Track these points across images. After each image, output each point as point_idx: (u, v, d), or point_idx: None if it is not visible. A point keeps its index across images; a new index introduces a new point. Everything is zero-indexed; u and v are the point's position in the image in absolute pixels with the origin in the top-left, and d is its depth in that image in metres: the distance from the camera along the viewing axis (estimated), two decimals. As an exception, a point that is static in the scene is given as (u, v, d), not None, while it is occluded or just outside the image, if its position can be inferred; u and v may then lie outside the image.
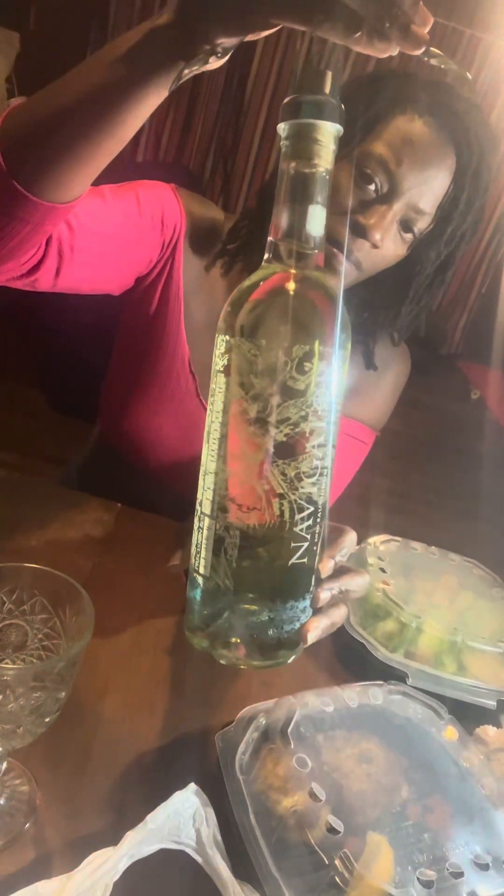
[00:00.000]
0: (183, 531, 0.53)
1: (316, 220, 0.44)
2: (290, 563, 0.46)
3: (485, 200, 0.76)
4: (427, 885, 0.47)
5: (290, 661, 0.50)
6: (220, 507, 0.46)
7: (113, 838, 0.48)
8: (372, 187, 0.72)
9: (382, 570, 0.82)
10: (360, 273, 0.77)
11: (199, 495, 0.48)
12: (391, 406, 0.98)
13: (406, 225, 0.74)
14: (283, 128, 0.44)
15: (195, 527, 0.48)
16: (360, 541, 0.89)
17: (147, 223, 0.77)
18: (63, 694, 0.45)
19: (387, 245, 0.75)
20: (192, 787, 0.52)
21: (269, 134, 2.87)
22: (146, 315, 0.85)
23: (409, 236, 0.75)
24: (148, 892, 0.47)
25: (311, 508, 0.45)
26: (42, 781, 0.53)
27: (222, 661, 0.50)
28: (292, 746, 0.53)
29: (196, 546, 0.48)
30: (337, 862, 0.47)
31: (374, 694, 0.63)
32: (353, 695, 0.62)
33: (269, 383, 0.43)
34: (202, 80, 2.93)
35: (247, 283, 0.45)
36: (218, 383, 0.45)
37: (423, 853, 0.49)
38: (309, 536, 0.46)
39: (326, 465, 0.45)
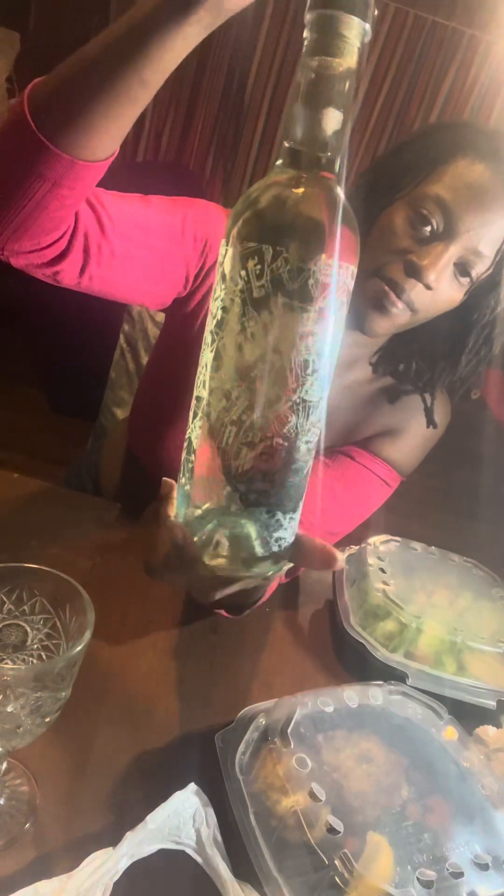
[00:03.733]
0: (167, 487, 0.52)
1: (332, 125, 0.42)
2: (286, 475, 0.45)
3: None
4: (427, 885, 0.47)
5: (269, 574, 0.49)
6: (211, 410, 0.45)
7: (113, 838, 0.48)
8: (428, 228, 0.71)
9: (382, 570, 0.82)
10: (415, 316, 0.75)
11: (197, 393, 0.47)
12: (422, 456, 0.96)
13: (463, 269, 0.73)
14: (308, 19, 0.41)
15: (189, 429, 0.48)
16: (360, 541, 0.90)
17: (189, 243, 0.75)
18: (63, 694, 0.45)
19: (442, 288, 0.73)
20: (192, 787, 0.52)
21: (269, 134, 2.87)
22: (186, 339, 0.83)
23: (465, 280, 0.74)
24: (148, 892, 0.47)
25: (316, 413, 0.45)
26: (42, 781, 0.53)
27: (206, 569, 0.48)
28: (292, 746, 0.53)
29: (186, 449, 0.47)
30: (337, 862, 0.47)
31: (374, 694, 0.63)
32: (353, 695, 0.62)
33: (281, 289, 0.41)
34: (202, 80, 2.93)
35: (254, 187, 0.43)
36: (223, 287, 0.44)
37: (423, 853, 0.49)
38: (308, 446, 0.45)
39: (325, 372, 0.45)
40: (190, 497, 0.48)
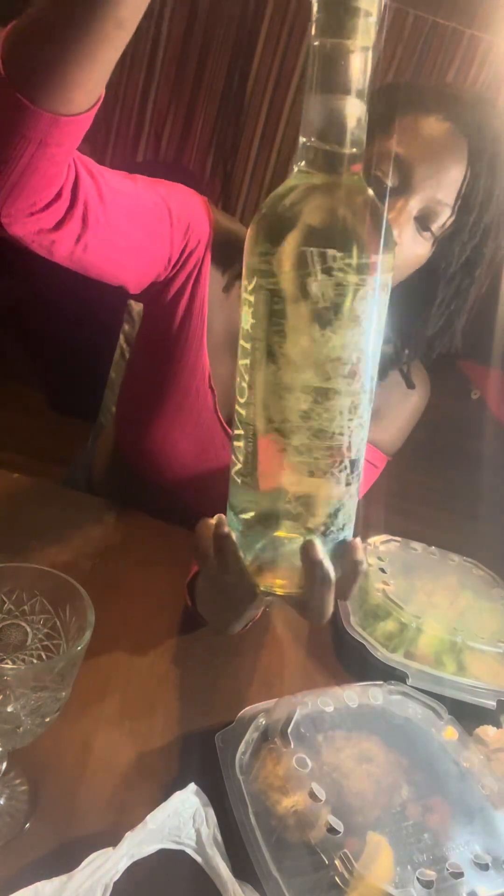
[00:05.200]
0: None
1: (353, 114, 0.38)
2: (332, 493, 0.45)
3: None
4: (427, 885, 0.47)
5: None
6: (256, 431, 0.45)
7: (113, 838, 0.48)
8: (384, 187, 0.72)
9: (382, 570, 0.82)
10: None
11: (237, 417, 0.47)
12: (406, 434, 0.96)
13: (424, 222, 0.73)
14: None
15: (233, 448, 0.48)
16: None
17: (174, 223, 0.76)
18: (63, 694, 0.45)
19: (405, 244, 0.74)
20: (192, 787, 0.53)
21: (269, 134, 2.87)
22: (168, 329, 0.83)
23: (427, 234, 0.74)
24: (148, 892, 0.47)
25: (364, 420, 0.45)
26: (42, 781, 0.53)
27: (261, 589, 0.49)
28: (292, 746, 0.53)
29: (233, 474, 0.47)
30: (337, 862, 0.47)
31: (374, 694, 0.63)
32: (353, 695, 0.62)
33: (332, 294, 0.40)
34: (202, 80, 2.93)
35: (283, 191, 0.41)
36: (256, 301, 0.43)
37: (423, 853, 0.49)
38: (355, 466, 0.45)
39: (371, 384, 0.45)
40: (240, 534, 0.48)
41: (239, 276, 0.83)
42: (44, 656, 0.49)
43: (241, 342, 0.45)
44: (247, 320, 0.44)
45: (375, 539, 0.89)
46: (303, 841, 0.48)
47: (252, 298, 0.44)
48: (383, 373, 0.89)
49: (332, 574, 0.48)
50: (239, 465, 0.48)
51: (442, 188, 0.72)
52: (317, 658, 0.76)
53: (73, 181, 0.60)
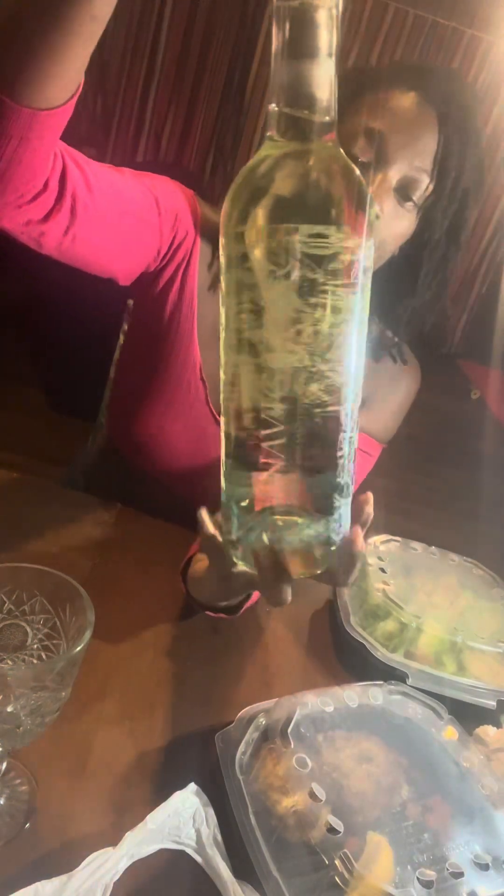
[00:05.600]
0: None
1: (325, 78, 0.37)
2: (327, 474, 0.45)
3: (481, 153, 0.76)
4: (427, 885, 0.47)
5: (318, 571, 0.49)
6: (244, 421, 0.44)
7: (113, 838, 0.48)
8: (360, 161, 0.72)
9: (382, 570, 0.82)
10: None
11: (223, 410, 0.46)
12: (399, 420, 0.96)
13: (404, 192, 0.74)
14: None
15: (222, 443, 0.47)
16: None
17: (162, 214, 0.77)
18: (63, 694, 0.45)
19: (388, 217, 0.74)
20: (192, 787, 0.53)
21: (269, 134, 2.87)
22: (159, 321, 0.84)
23: (409, 205, 0.75)
24: (148, 892, 0.47)
25: (350, 400, 0.44)
26: (42, 781, 0.53)
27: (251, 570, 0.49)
28: (292, 746, 0.53)
29: (224, 463, 0.47)
30: (337, 862, 0.47)
31: (374, 694, 0.63)
32: (353, 695, 0.62)
33: (311, 268, 0.39)
34: (202, 80, 2.93)
35: (255, 163, 0.40)
36: (229, 280, 0.42)
37: (423, 853, 0.49)
38: (347, 444, 0.45)
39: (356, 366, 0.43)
40: (236, 519, 0.48)
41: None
42: (44, 656, 0.49)
43: (221, 328, 0.44)
44: (225, 303, 0.43)
45: (375, 539, 0.89)
46: (303, 841, 0.48)
47: (227, 278, 0.42)
48: (376, 354, 0.89)
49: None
50: (228, 454, 0.47)
51: (418, 156, 0.73)
52: (317, 658, 0.76)
53: (61, 172, 0.60)
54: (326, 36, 0.37)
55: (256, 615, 0.78)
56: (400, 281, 0.83)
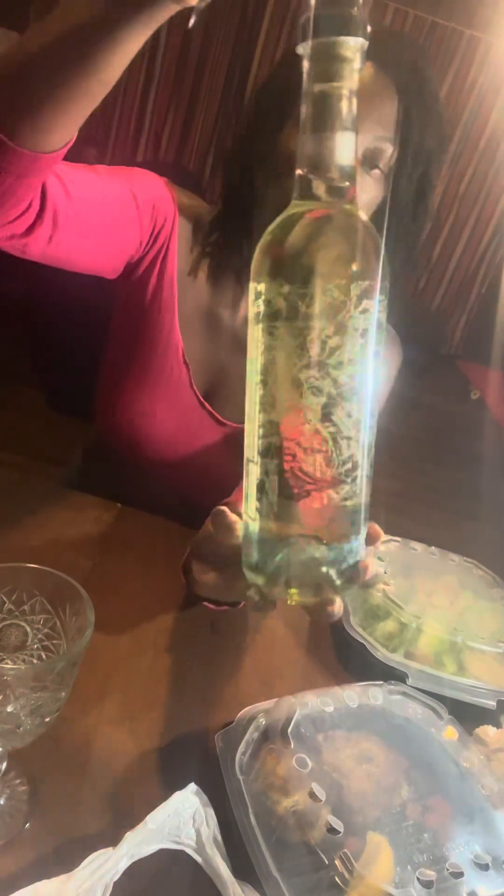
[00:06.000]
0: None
1: (347, 149, 0.43)
2: (342, 502, 0.45)
3: (440, 111, 0.76)
4: (427, 885, 0.47)
5: (332, 597, 0.49)
6: (265, 452, 0.45)
7: (113, 838, 0.48)
8: None
9: (382, 571, 0.82)
10: None
11: (246, 441, 0.47)
12: (385, 394, 0.95)
13: (370, 160, 0.74)
14: (304, 48, 0.42)
15: (244, 473, 0.48)
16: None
17: (140, 206, 0.78)
18: (63, 694, 0.45)
19: (357, 189, 0.75)
20: (192, 787, 0.53)
21: (268, 134, 2.87)
22: (140, 306, 0.85)
23: (376, 173, 0.75)
24: (148, 892, 0.47)
25: (362, 441, 0.45)
26: (42, 781, 0.53)
27: (274, 597, 0.49)
28: (292, 746, 0.53)
29: (246, 491, 0.47)
30: (337, 862, 0.47)
31: (374, 694, 0.63)
32: (353, 695, 0.62)
33: (326, 324, 0.41)
34: (202, 80, 2.94)
35: (279, 223, 0.43)
36: (255, 333, 0.44)
37: (423, 853, 0.49)
38: (359, 472, 0.45)
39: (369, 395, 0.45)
40: (255, 544, 0.48)
41: (202, 258, 0.85)
42: (44, 656, 0.49)
43: (249, 370, 0.46)
44: (254, 350, 0.45)
45: (375, 539, 0.89)
46: (303, 841, 0.48)
47: (257, 331, 0.44)
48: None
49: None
50: (251, 483, 0.48)
51: (380, 125, 0.73)
52: (317, 658, 0.76)
53: (41, 188, 0.62)
54: (347, 118, 0.42)
55: (256, 615, 0.78)
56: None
